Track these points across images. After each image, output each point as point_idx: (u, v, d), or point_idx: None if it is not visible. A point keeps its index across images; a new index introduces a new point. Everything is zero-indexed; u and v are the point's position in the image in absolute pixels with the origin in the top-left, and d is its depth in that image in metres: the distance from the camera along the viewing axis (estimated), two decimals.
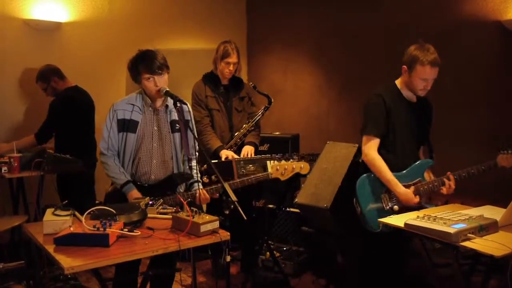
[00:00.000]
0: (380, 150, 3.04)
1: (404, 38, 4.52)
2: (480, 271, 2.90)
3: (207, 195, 3.02)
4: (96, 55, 5.14)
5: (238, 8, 6.18)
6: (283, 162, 3.18)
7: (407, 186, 3.01)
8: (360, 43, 4.94)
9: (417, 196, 2.98)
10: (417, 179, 3.05)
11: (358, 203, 2.99)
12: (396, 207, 2.99)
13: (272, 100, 4.13)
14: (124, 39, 5.16)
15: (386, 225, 2.91)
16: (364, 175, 3.05)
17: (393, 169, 3.02)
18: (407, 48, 3.02)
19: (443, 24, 4.27)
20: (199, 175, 3.21)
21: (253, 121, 4.01)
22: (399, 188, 2.97)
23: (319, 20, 5.40)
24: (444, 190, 2.99)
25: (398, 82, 3.12)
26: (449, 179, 2.97)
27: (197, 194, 2.96)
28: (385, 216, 2.93)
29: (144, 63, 2.91)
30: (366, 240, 3.05)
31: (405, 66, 3.01)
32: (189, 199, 2.92)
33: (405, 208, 2.97)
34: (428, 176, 3.13)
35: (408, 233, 2.55)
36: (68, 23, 4.94)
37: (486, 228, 2.43)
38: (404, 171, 3.06)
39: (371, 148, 3.01)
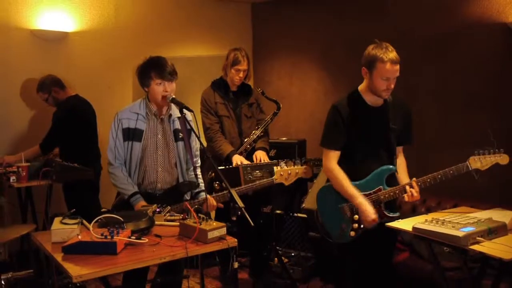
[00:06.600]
0: (340, 161, 2.94)
1: (409, 42, 4.55)
2: (490, 275, 2.88)
3: (214, 202, 3.02)
4: (103, 64, 5.17)
5: (243, 15, 6.21)
6: (286, 167, 3.19)
7: (367, 195, 2.89)
8: (365, 48, 4.92)
9: (376, 215, 2.85)
10: (378, 187, 2.91)
11: (319, 215, 2.91)
12: (356, 216, 2.89)
13: (281, 106, 4.14)
14: (130, 48, 5.19)
15: (349, 236, 2.88)
16: (324, 186, 2.97)
17: (355, 178, 2.92)
18: (364, 50, 2.91)
19: (448, 27, 4.26)
20: (204, 183, 3.21)
21: (262, 127, 4.02)
22: (356, 200, 2.86)
23: (324, 26, 5.40)
24: (406, 197, 2.84)
25: (360, 87, 2.98)
26: (411, 187, 2.83)
27: (205, 202, 2.94)
28: (347, 226, 2.88)
29: (156, 69, 2.94)
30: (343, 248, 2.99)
31: (365, 68, 2.89)
32: (196, 206, 2.92)
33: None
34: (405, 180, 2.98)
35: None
36: (74, 33, 4.98)
37: (495, 231, 2.42)
38: (363, 180, 2.92)
39: (329, 161, 2.93)
